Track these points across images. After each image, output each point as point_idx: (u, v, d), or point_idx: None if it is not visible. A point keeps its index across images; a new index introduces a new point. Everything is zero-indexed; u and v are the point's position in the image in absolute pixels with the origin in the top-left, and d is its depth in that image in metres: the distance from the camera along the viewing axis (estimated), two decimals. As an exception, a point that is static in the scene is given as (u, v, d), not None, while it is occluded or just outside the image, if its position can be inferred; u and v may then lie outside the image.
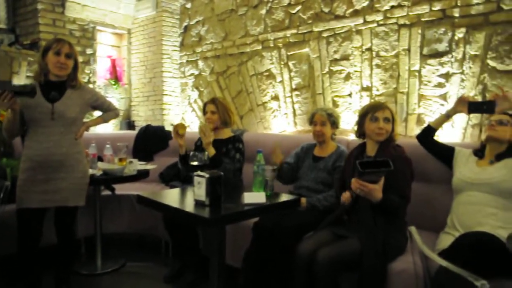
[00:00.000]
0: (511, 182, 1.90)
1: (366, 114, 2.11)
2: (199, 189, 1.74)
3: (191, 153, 2.08)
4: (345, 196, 2.01)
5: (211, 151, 2.57)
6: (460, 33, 2.54)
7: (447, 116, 2.23)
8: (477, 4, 2.47)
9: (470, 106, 2.07)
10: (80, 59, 2.55)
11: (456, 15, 2.56)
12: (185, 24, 4.54)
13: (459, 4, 2.54)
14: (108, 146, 3.01)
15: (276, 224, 2.25)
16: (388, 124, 2.08)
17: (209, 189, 1.71)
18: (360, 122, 2.16)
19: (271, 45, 3.63)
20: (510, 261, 1.53)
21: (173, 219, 2.68)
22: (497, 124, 2.03)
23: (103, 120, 2.59)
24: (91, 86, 4.24)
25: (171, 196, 2.14)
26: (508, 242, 1.26)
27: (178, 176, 3.56)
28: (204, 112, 2.78)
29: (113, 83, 4.71)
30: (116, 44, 4.89)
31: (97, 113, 2.80)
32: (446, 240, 1.88)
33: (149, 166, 3.11)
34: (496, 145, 2.04)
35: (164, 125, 4.33)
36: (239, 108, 3.98)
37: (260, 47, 3.74)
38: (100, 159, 3.05)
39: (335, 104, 3.18)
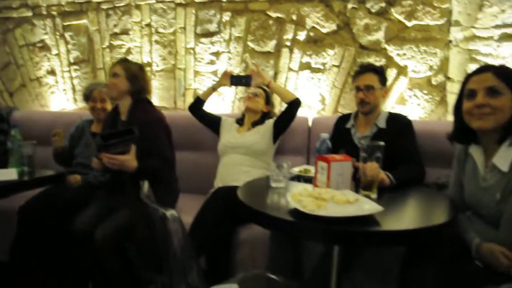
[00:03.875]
0: (261, 144, 2.26)
1: None
2: None
3: None
4: (94, 161, 1.93)
5: None
6: (226, 16, 2.82)
7: (213, 89, 2.46)
8: (238, -8, 2.79)
9: (231, 79, 2.35)
10: None
11: (224, 0, 2.82)
12: None
13: (226, -10, 2.81)
14: None
15: (47, 204, 2.08)
16: (116, 78, 2.01)
17: None
18: None
19: (44, 12, 3.25)
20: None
21: None
22: (253, 96, 2.37)
23: None
24: None
25: None
26: (238, 191, 1.46)
27: None
28: None
29: None
30: None
31: None
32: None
33: None
34: (252, 114, 2.38)
35: None
36: (7, 84, 3.45)
37: (30, 14, 3.29)
38: None
39: (116, 79, 3.10)
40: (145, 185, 1.08)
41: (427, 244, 1.38)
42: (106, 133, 1.61)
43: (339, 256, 1.46)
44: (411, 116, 2.48)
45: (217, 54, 2.87)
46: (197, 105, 2.45)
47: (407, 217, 1.33)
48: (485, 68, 1.32)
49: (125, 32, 3.06)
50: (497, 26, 2.30)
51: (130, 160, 1.72)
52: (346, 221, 1.13)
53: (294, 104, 2.29)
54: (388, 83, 2.54)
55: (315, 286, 1.74)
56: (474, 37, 2.35)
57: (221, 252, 1.85)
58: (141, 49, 3.03)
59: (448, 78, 2.42)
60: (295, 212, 1.19)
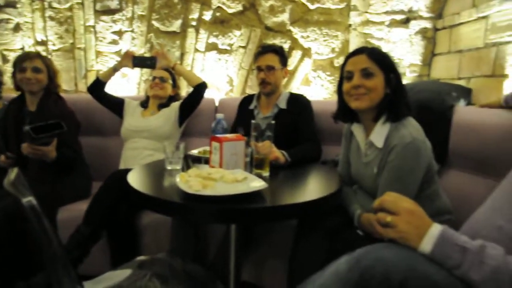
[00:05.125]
0: (165, 128, 2.21)
1: (15, 66, 2.06)
2: None
3: None
4: (24, 146, 1.90)
5: None
6: (129, -7, 2.67)
7: (114, 70, 2.30)
8: (141, -33, 2.64)
9: (134, 60, 2.23)
10: None
11: (125, -26, 2.66)
12: None
13: (127, -35, 2.65)
14: None
15: None
16: (40, 74, 2.06)
17: None
18: (13, 74, 2.09)
19: None
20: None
21: None
22: (160, 82, 2.28)
23: None
24: None
25: None
26: (129, 175, 1.42)
27: None
28: None
29: None
30: None
31: None
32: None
33: None
34: (158, 100, 2.31)
35: None
36: None
37: None
38: None
39: (5, 59, 2.80)
40: (14, 172, 0.98)
41: (316, 217, 1.46)
42: (37, 125, 1.64)
43: (236, 235, 1.49)
44: (316, 97, 2.60)
45: (119, 33, 2.71)
46: (96, 86, 2.28)
47: (294, 192, 1.38)
48: (360, 51, 1.40)
49: (11, 4, 2.74)
50: (387, 12, 2.46)
51: (51, 151, 1.79)
52: (232, 199, 1.14)
53: (201, 88, 2.25)
54: (294, 64, 2.62)
55: (219, 267, 1.76)
56: (368, 22, 2.49)
57: (121, 237, 1.79)
58: (33, 26, 2.75)
59: (348, 61, 2.55)
60: (183, 193, 1.17)
